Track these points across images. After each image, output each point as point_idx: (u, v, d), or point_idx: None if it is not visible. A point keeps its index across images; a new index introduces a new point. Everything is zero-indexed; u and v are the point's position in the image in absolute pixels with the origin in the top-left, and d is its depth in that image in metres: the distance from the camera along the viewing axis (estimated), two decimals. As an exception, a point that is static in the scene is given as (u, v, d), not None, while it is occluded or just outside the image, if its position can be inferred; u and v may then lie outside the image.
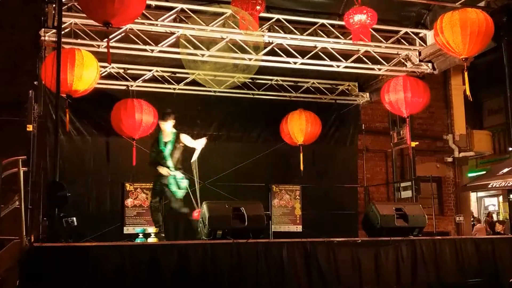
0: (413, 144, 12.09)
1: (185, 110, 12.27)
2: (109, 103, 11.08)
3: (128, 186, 11.09)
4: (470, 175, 17.83)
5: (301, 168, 12.27)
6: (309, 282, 6.90)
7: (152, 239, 10.43)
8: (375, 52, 11.25)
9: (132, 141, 11.15)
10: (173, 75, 12.20)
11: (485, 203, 20.39)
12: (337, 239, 7.30)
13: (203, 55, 10.39)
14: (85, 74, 9.06)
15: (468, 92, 9.35)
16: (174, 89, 12.29)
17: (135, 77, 11.96)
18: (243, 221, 7.16)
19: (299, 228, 12.18)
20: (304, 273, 6.89)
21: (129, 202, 11.07)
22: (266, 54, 10.62)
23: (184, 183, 8.94)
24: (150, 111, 10.98)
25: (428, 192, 12.75)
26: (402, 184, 12.88)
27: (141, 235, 10.49)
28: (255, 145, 12.86)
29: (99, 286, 5.95)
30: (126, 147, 11.29)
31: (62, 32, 8.01)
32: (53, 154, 7.33)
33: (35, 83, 9.69)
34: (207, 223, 7.07)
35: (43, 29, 9.24)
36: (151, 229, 10.71)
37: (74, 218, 6.99)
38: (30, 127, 9.13)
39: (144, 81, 12.05)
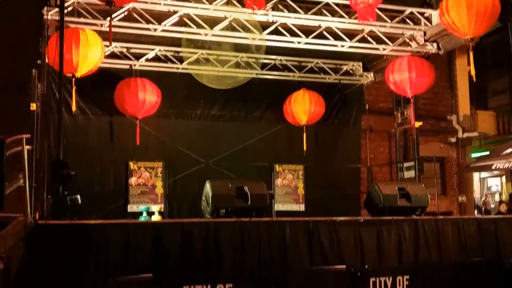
0: (417, 124, 12.05)
1: (188, 90, 12.30)
2: (113, 82, 11.09)
3: (132, 165, 11.13)
4: (473, 155, 17.78)
5: (304, 148, 12.28)
6: (311, 261, 6.94)
7: (155, 217, 10.52)
8: (380, 32, 11.17)
9: (135, 120, 11.17)
10: (176, 54, 12.15)
11: (488, 183, 20.32)
12: (340, 218, 7.33)
13: (206, 35, 10.34)
14: (90, 54, 9.04)
15: (473, 73, 9.30)
16: (178, 68, 12.25)
17: (138, 56, 11.91)
18: (246, 200, 7.21)
19: (302, 207, 12.24)
20: (307, 252, 6.94)
21: (133, 180, 11.12)
22: (270, 33, 10.55)
23: None
24: (154, 90, 10.98)
25: (431, 172, 12.74)
26: (405, 164, 12.84)
27: (145, 213, 10.58)
28: (258, 125, 12.86)
29: (103, 263, 6.01)
30: (130, 126, 11.32)
31: (65, 11, 7.97)
32: (57, 133, 7.33)
33: (38, 62, 9.67)
34: (210, 201, 7.11)
35: (46, 7, 9.19)
36: (155, 207, 10.79)
37: (78, 196, 7.05)
38: (33, 106, 9.14)
39: (148, 60, 11.99)
